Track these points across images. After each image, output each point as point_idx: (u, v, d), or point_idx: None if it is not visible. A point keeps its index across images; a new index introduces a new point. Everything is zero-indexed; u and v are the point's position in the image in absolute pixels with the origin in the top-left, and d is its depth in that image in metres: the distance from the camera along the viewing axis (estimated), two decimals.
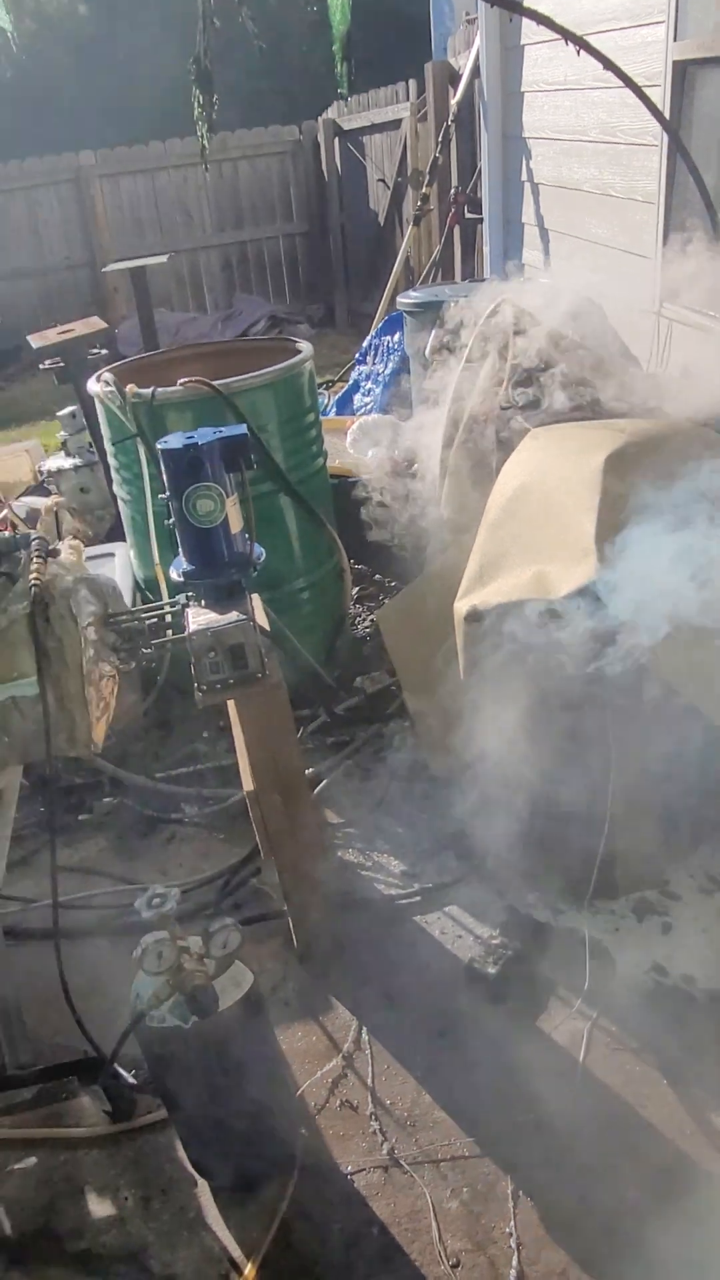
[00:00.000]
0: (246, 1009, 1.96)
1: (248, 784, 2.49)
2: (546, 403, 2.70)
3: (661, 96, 4.47)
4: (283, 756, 2.46)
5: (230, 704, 2.58)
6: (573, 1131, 2.19)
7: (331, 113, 10.18)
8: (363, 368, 6.05)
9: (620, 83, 4.46)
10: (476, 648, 2.49)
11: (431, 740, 3.02)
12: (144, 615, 2.47)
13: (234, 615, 2.33)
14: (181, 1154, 2.20)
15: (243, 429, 2.39)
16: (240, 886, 2.95)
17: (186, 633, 2.30)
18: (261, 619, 2.50)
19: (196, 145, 9.99)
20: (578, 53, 3.84)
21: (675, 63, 4.36)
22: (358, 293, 10.32)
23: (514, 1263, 1.97)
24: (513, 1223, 2.04)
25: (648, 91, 4.45)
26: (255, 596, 2.57)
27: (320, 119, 10.31)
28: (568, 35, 3.84)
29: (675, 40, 4.33)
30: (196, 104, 3.15)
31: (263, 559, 2.54)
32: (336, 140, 10.09)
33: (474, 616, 2.43)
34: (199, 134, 3.31)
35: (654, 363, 4.93)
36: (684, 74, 4.38)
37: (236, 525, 2.43)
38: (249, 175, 10.54)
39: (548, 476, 2.45)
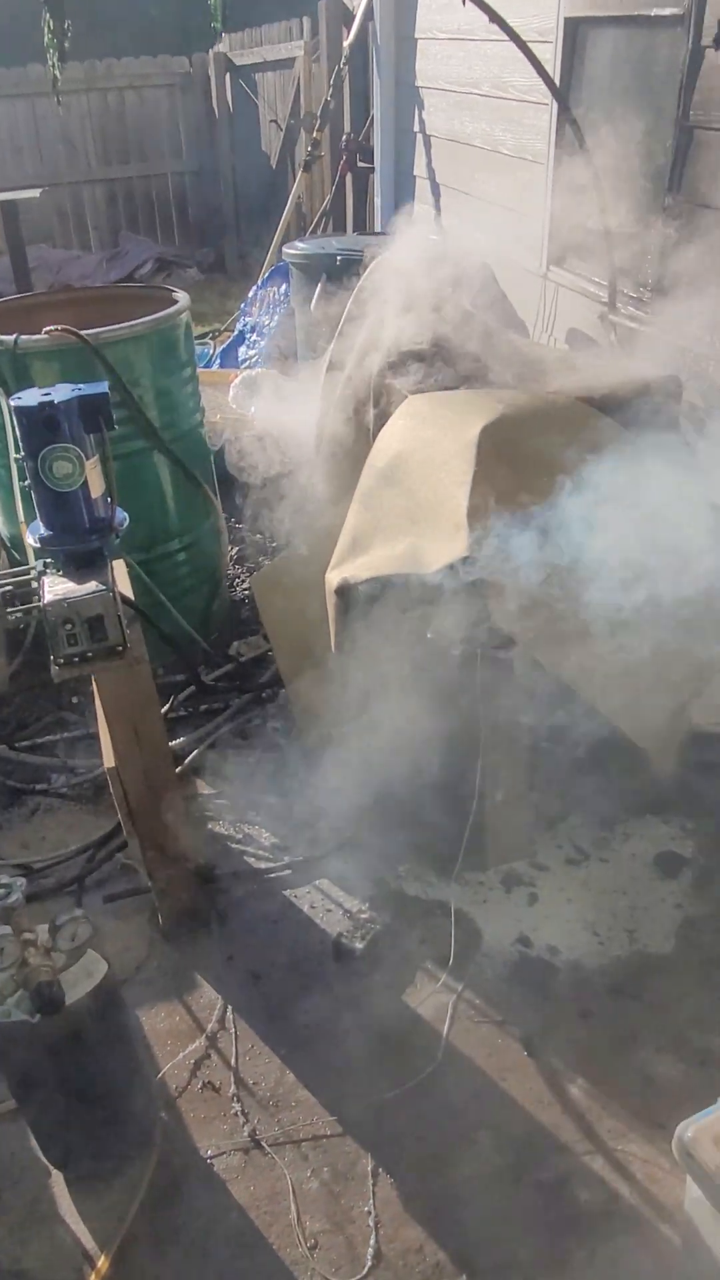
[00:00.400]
0: (99, 999, 1.89)
1: (109, 760, 2.40)
2: (426, 372, 2.64)
3: (553, 53, 4.40)
4: (145, 731, 2.37)
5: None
6: (435, 1107, 2.20)
7: (223, 46, 9.78)
8: (248, 319, 5.87)
9: (507, 35, 4.37)
10: (347, 620, 2.44)
11: (305, 710, 2.97)
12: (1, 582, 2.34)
13: (93, 585, 2.21)
14: (34, 1144, 2.13)
15: (103, 386, 2.25)
16: (105, 861, 2.86)
17: (42, 603, 2.18)
18: (125, 587, 2.39)
19: (82, 70, 9.57)
20: (463, 2, 3.73)
21: (567, 19, 4.29)
22: (249, 237, 10.02)
23: (371, 1241, 1.97)
24: (371, 1201, 2.04)
25: (539, 48, 4.37)
26: (119, 563, 2.46)
27: (211, 52, 9.89)
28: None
29: None
30: (47, 29, 2.92)
31: (125, 524, 2.42)
32: (228, 76, 9.71)
33: (345, 589, 2.37)
34: (49, 63, 3.08)
35: (540, 327, 4.91)
36: (575, 31, 4.31)
37: (97, 489, 2.31)
38: (136, 107, 10.07)
39: (423, 446, 2.39)
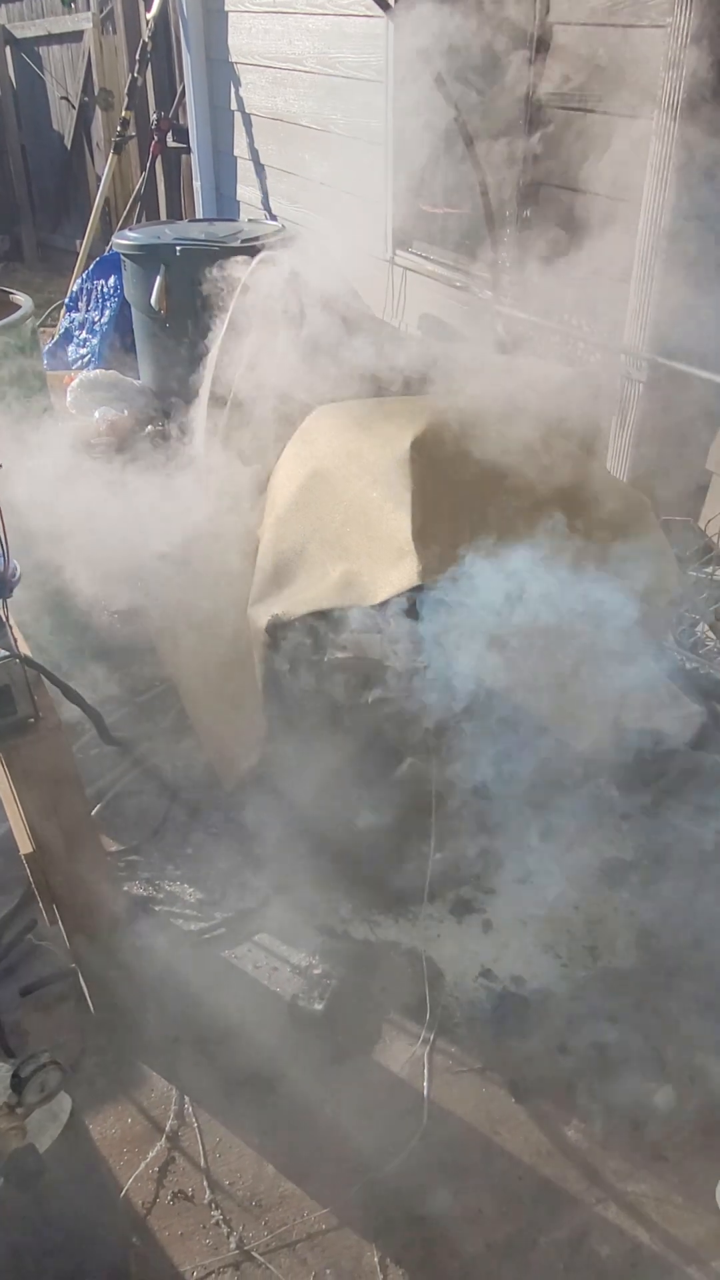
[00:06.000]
0: (66, 1138, 1.63)
1: (24, 846, 2.09)
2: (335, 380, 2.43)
3: (384, 28, 4.23)
4: (66, 805, 2.09)
5: None
6: (430, 1176, 2.05)
7: (1, 17, 9.09)
8: (75, 314, 5.45)
9: (335, 10, 4.18)
10: (278, 659, 2.22)
11: (219, 753, 2.73)
12: None
13: None
14: None
15: None
16: (13, 946, 2.54)
17: None
18: (24, 646, 2.09)
19: None
20: None
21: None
22: (46, 223, 9.41)
23: None
24: None
25: (367, 22, 4.21)
26: (13, 619, 2.15)
27: None
28: None
29: None
30: None
31: (19, 576, 2.11)
32: (8, 49, 9.03)
33: (276, 626, 2.14)
34: None
35: (390, 313, 4.77)
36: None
37: None
38: None
39: (345, 463, 2.19)
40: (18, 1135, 1.45)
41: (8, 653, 1.90)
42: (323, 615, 2.06)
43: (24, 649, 2.05)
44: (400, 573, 1.97)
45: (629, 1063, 2.25)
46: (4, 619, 2.01)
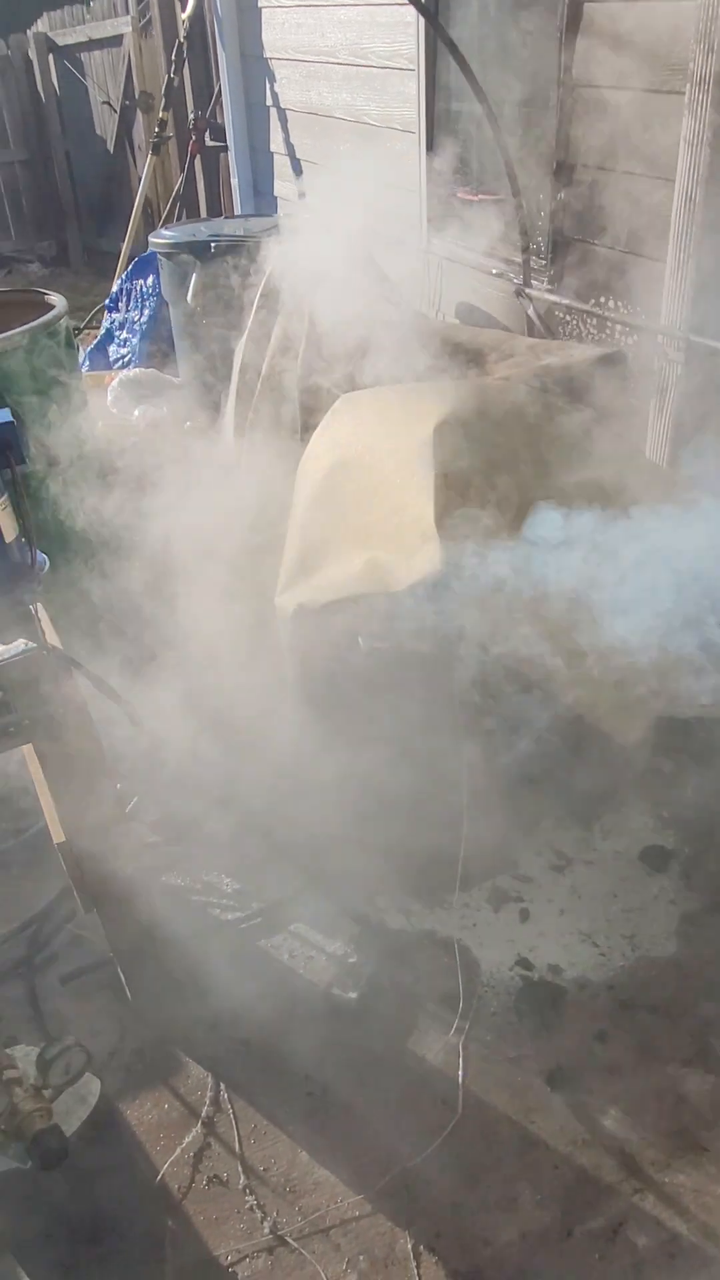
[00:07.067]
0: (95, 1120, 1.65)
1: (57, 835, 2.12)
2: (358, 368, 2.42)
3: (415, 18, 4.20)
4: (96, 797, 2.11)
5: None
6: (466, 1164, 2.04)
7: (42, 25, 9.22)
8: (115, 315, 5.51)
9: (365, 1, 4.17)
10: (306, 646, 2.22)
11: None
12: None
13: (20, 644, 1.94)
14: None
15: (7, 415, 1.96)
16: (54, 935, 2.58)
17: None
18: (54, 637, 2.11)
19: None
20: None
21: None
22: (91, 227, 9.53)
23: None
24: None
25: (398, 10, 4.19)
26: (42, 609, 2.18)
27: (30, 32, 9.31)
28: None
29: None
30: None
31: (46, 568, 2.14)
32: (51, 57, 9.16)
33: (303, 614, 2.14)
34: None
35: (428, 302, 4.74)
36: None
37: (10, 533, 2.02)
38: None
39: (369, 451, 2.19)
40: (43, 1116, 1.47)
41: (34, 644, 1.93)
42: (347, 603, 2.05)
43: (53, 640, 2.08)
44: (423, 558, 1.96)
45: (668, 1052, 2.22)
46: (33, 611, 2.03)
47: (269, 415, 2.62)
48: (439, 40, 4.06)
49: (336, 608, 2.07)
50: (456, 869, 2.48)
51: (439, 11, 4.13)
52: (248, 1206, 2.01)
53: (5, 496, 1.99)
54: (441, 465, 2.02)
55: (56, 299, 3.24)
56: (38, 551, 2.08)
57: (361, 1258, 1.91)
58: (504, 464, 2.00)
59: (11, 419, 1.94)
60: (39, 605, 2.11)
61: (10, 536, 2.02)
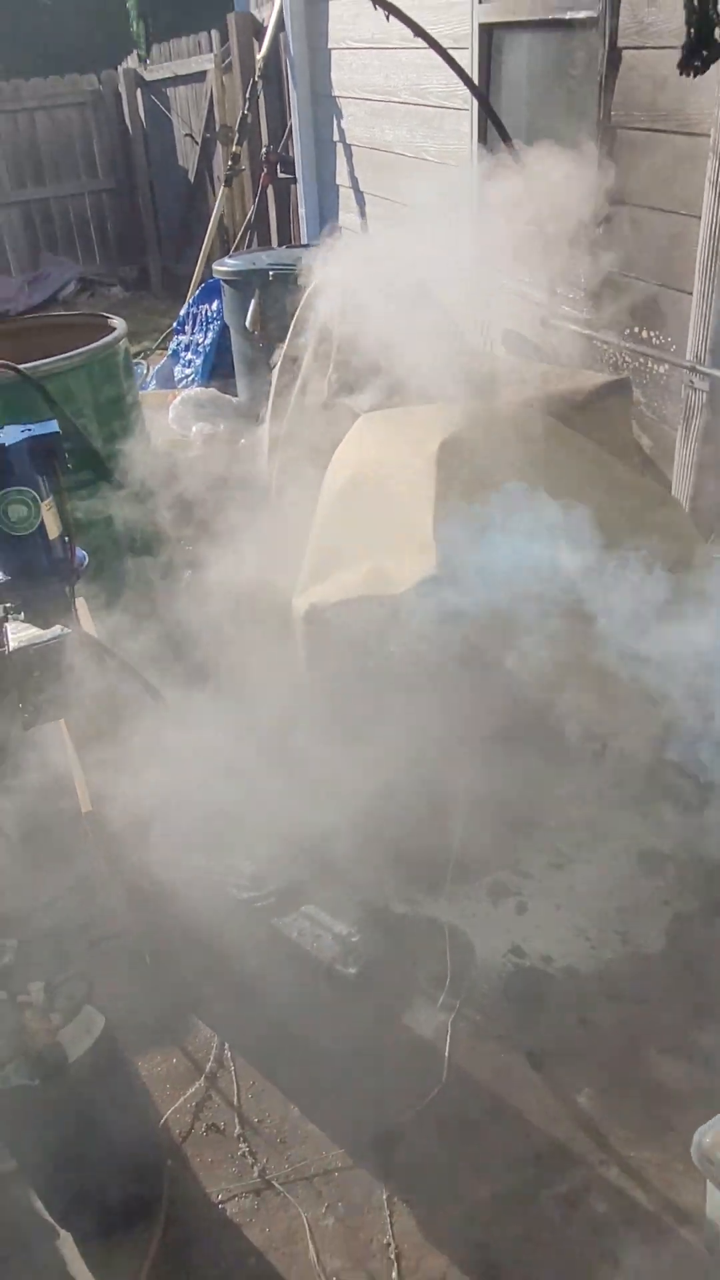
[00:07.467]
0: (99, 1054, 1.84)
1: (85, 805, 2.34)
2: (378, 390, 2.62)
3: (469, 59, 4.42)
4: (121, 765, 2.33)
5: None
6: (445, 1129, 2.19)
7: (131, 62, 9.69)
8: (181, 337, 5.81)
9: (428, 43, 4.39)
10: (316, 644, 2.41)
11: None
12: None
13: (57, 629, 2.16)
14: (39, 1206, 2.07)
15: (54, 426, 2.20)
16: (85, 905, 2.79)
17: (6, 651, 2.13)
18: (89, 626, 2.34)
19: None
20: (387, 18, 3.74)
21: (481, 25, 4.32)
22: (171, 253, 9.94)
23: (394, 1275, 1.95)
24: (390, 1233, 2.01)
25: (456, 54, 4.39)
26: (82, 602, 2.41)
27: (120, 68, 9.80)
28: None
29: (480, 2, 4.28)
30: None
31: (86, 564, 2.37)
32: (139, 91, 9.62)
33: (313, 614, 2.34)
34: None
35: (478, 331, 4.92)
36: (490, 37, 4.34)
37: (54, 530, 2.26)
38: (48, 127, 9.93)
39: (382, 466, 2.38)
40: (46, 1035, 1.67)
41: (68, 631, 2.15)
42: (352, 604, 2.24)
43: (90, 628, 2.30)
44: (420, 564, 2.14)
45: (648, 1040, 2.34)
46: (72, 602, 2.26)
47: (298, 435, 2.84)
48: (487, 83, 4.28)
49: (343, 608, 2.26)
50: (451, 861, 2.64)
51: (491, 55, 4.35)
52: (241, 1153, 2.19)
53: (50, 498, 2.23)
54: (442, 481, 2.20)
55: (117, 323, 3.50)
56: (77, 549, 2.31)
57: (340, 1204, 2.07)
58: (497, 478, 2.17)
59: (57, 429, 2.18)
60: (78, 598, 2.35)
61: (54, 534, 2.25)
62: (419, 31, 3.88)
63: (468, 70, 4.44)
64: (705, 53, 2.27)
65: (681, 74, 2.39)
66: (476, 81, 4.40)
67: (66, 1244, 2.05)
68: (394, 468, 2.34)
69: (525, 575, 2.06)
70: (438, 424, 2.35)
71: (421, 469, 2.25)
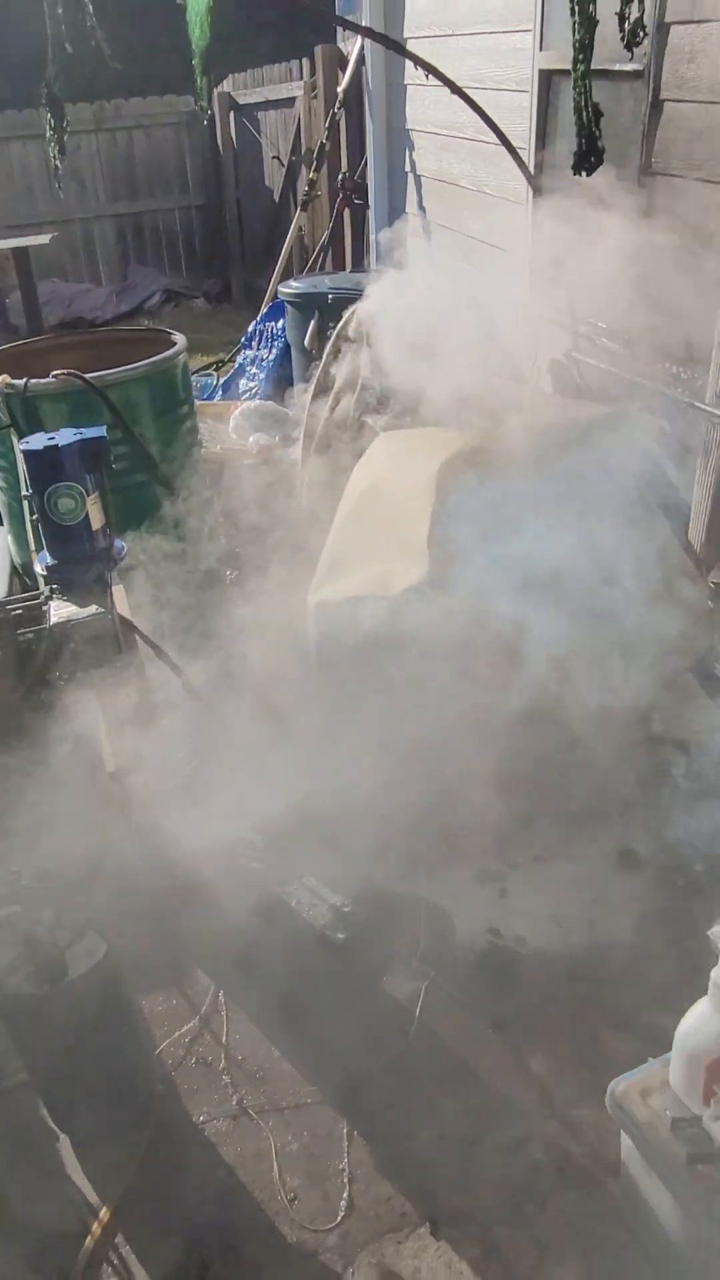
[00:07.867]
0: (100, 976, 2.13)
1: (110, 765, 2.64)
2: (397, 411, 2.89)
3: (530, 102, 4.67)
4: (146, 734, 2.62)
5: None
6: (406, 1080, 2.43)
7: (227, 86, 10.15)
8: (248, 352, 6.15)
9: (491, 85, 4.67)
10: (325, 636, 2.68)
11: None
12: (12, 606, 2.59)
13: (93, 608, 2.46)
14: (44, 1112, 2.36)
15: (102, 431, 2.51)
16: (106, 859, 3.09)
17: (48, 625, 2.44)
18: (124, 609, 2.64)
19: (91, 112, 9.95)
20: (454, 95, 4.07)
21: (541, 71, 4.56)
22: (253, 269, 10.35)
23: (345, 1195, 2.19)
24: (346, 1160, 2.26)
25: (517, 96, 4.66)
26: (119, 588, 2.71)
27: (215, 92, 10.25)
28: (449, 84, 4.09)
29: (541, 50, 4.53)
30: (48, 126, 3.21)
31: (124, 553, 2.67)
32: (232, 114, 10.07)
33: (323, 609, 2.61)
34: (50, 154, 3.37)
35: (526, 362, 5.16)
36: (549, 82, 4.58)
37: (98, 522, 2.57)
38: (144, 145, 10.44)
39: (392, 480, 2.65)
40: (52, 948, 1.96)
41: (104, 610, 2.45)
42: (355, 601, 2.51)
43: (124, 610, 2.60)
44: (415, 570, 2.40)
45: (601, 1017, 2.54)
46: (109, 585, 2.56)
47: (326, 448, 3.12)
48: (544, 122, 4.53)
49: (348, 605, 2.53)
50: (444, 846, 2.88)
51: (549, 99, 4.59)
52: (223, 1084, 2.45)
53: (96, 494, 2.54)
54: (440, 496, 2.46)
55: (178, 338, 3.82)
56: (116, 539, 2.62)
57: (305, 1133, 2.33)
58: (490, 499, 2.42)
59: (104, 434, 2.49)
60: (117, 584, 2.66)
61: (98, 525, 2.57)
62: (481, 114, 4.25)
63: (526, 112, 4.70)
64: (592, 159, 2.89)
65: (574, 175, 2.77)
66: (534, 123, 4.66)
67: (65, 1147, 2.34)
68: (401, 482, 2.60)
69: (503, 582, 2.30)
70: (444, 445, 2.61)
71: (423, 485, 2.51)
